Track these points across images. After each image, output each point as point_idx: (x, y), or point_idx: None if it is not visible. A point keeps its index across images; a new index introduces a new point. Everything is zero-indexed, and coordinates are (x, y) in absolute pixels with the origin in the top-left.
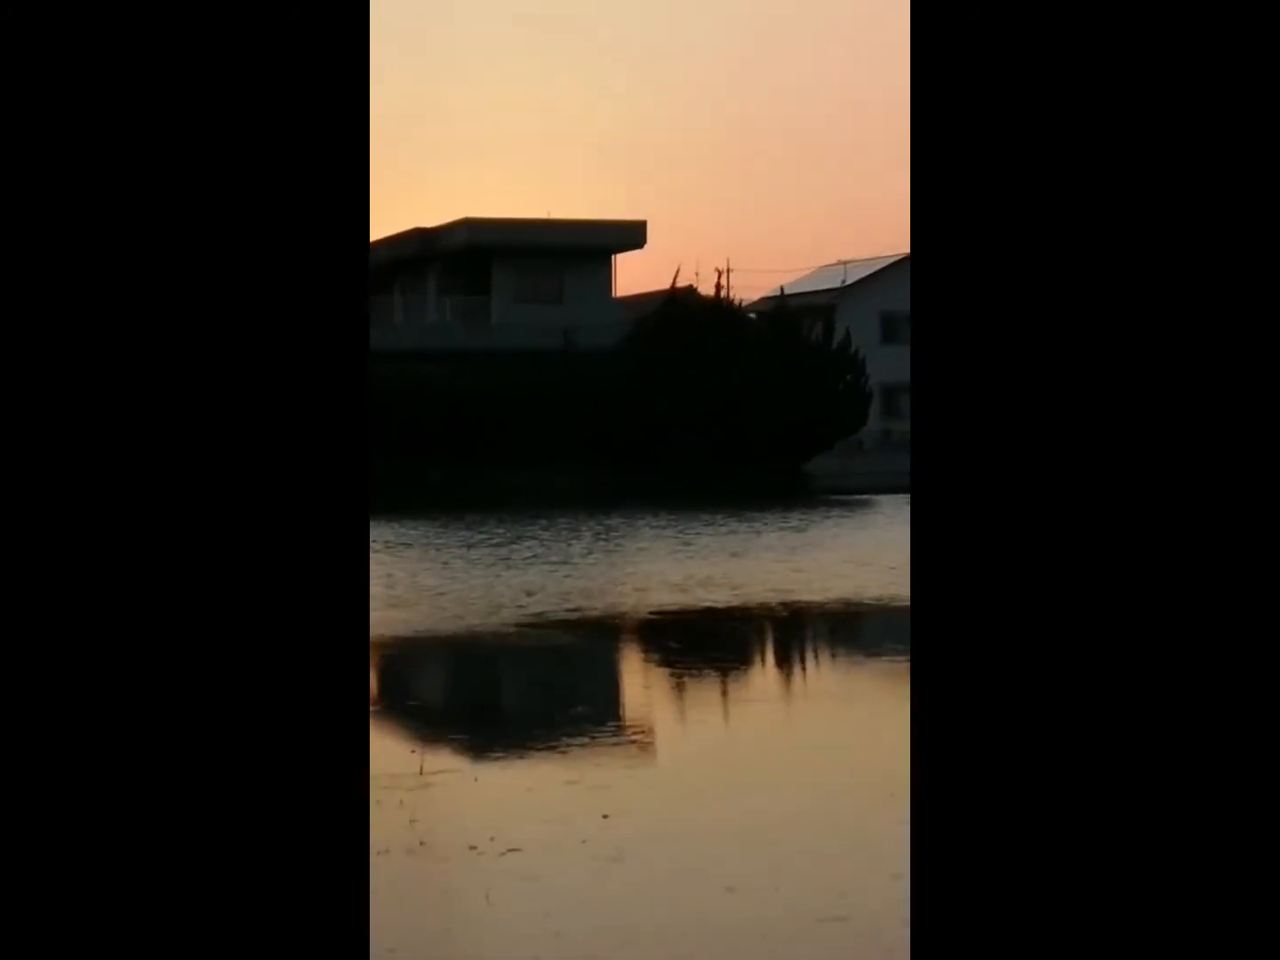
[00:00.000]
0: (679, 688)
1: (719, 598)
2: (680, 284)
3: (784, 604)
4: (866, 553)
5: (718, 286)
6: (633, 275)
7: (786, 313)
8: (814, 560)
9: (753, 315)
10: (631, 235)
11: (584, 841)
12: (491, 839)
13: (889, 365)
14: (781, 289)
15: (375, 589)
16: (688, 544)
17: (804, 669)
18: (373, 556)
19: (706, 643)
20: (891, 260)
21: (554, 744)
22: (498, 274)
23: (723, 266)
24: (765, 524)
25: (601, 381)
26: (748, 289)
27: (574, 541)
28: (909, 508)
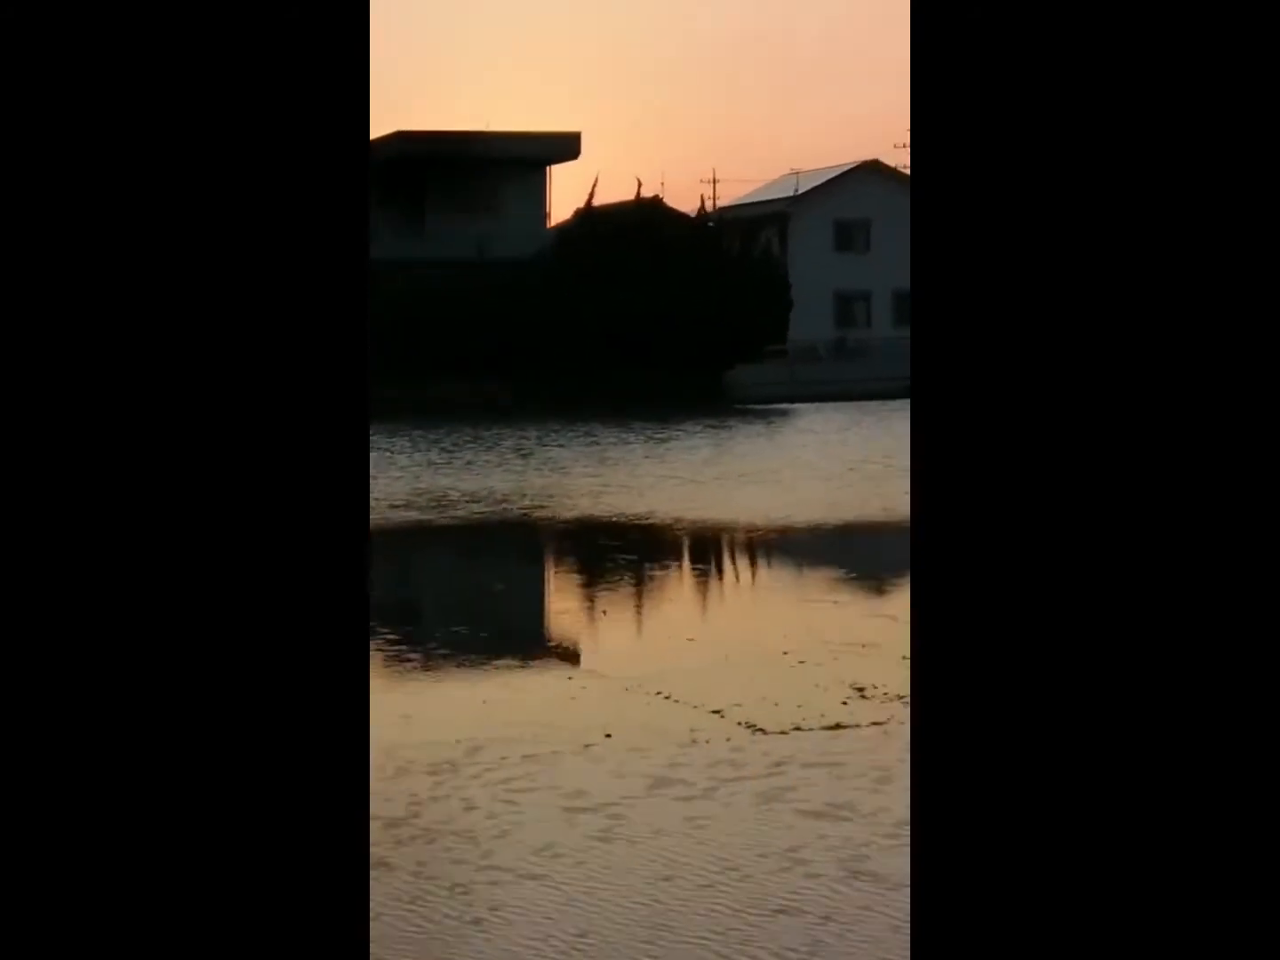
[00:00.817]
0: None
1: (463, 514)
2: (634, 196)
3: (514, 520)
4: (697, 468)
5: (637, 197)
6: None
7: (709, 224)
8: (631, 474)
9: (711, 225)
10: (565, 146)
11: None
12: None
13: (842, 273)
14: (702, 199)
15: None
16: (528, 455)
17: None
18: None
19: None
20: (843, 169)
21: None
22: (431, 186)
23: (707, 177)
24: (648, 435)
25: (515, 291)
26: (721, 199)
27: (416, 454)
28: (824, 416)
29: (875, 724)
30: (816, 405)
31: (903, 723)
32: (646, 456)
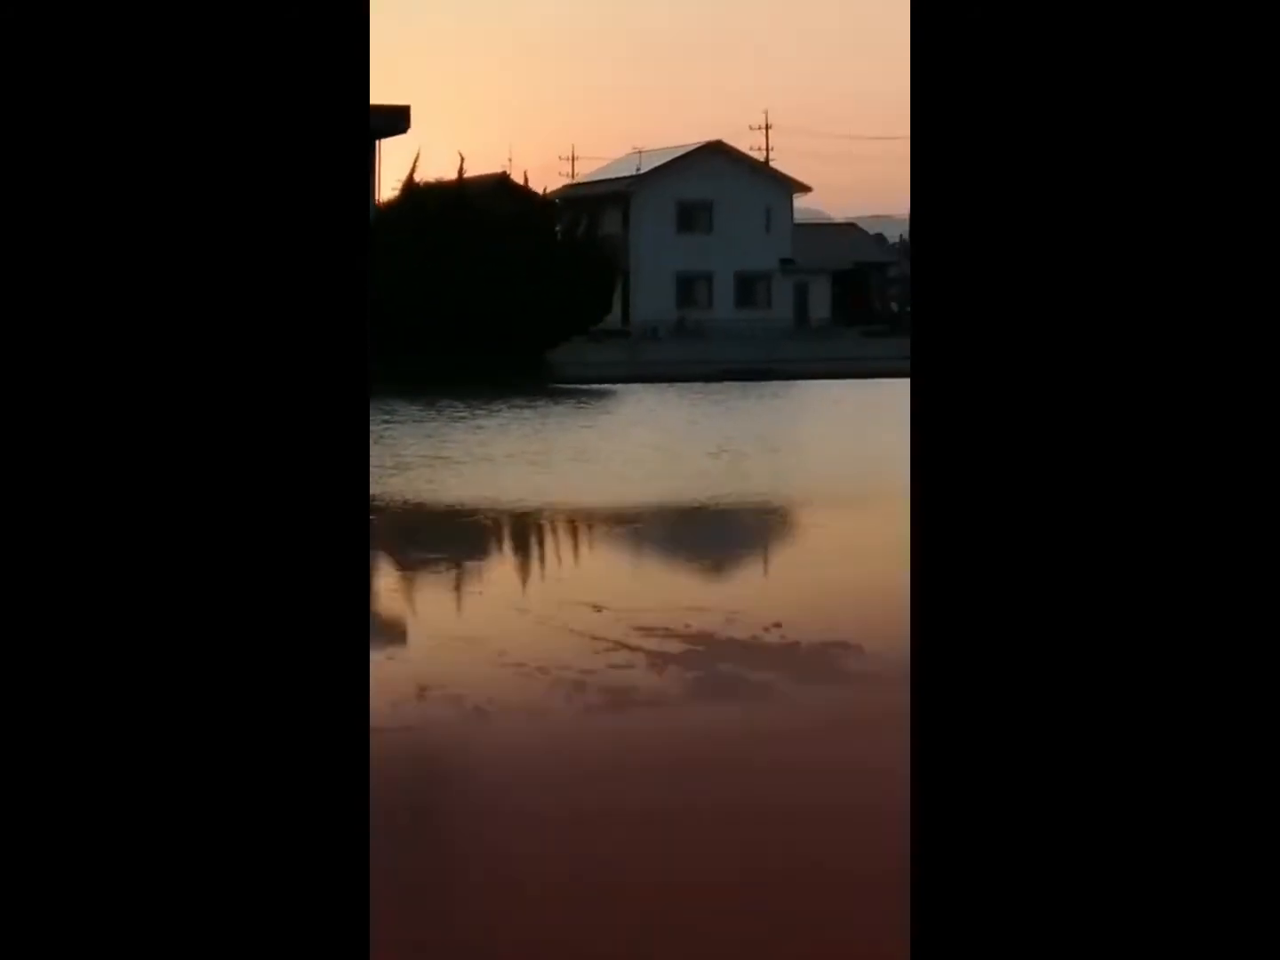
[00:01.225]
0: None
1: None
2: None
3: None
4: (469, 449)
5: (460, 174)
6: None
7: (536, 204)
8: (395, 456)
9: (557, 201)
10: (393, 121)
11: None
12: None
13: (685, 254)
14: (525, 176)
15: None
16: None
17: None
18: None
19: None
20: (687, 149)
21: None
22: None
23: (565, 154)
24: (448, 415)
25: None
26: (580, 177)
27: None
28: (638, 397)
29: (406, 729)
30: (643, 386)
31: (423, 728)
32: (428, 436)
